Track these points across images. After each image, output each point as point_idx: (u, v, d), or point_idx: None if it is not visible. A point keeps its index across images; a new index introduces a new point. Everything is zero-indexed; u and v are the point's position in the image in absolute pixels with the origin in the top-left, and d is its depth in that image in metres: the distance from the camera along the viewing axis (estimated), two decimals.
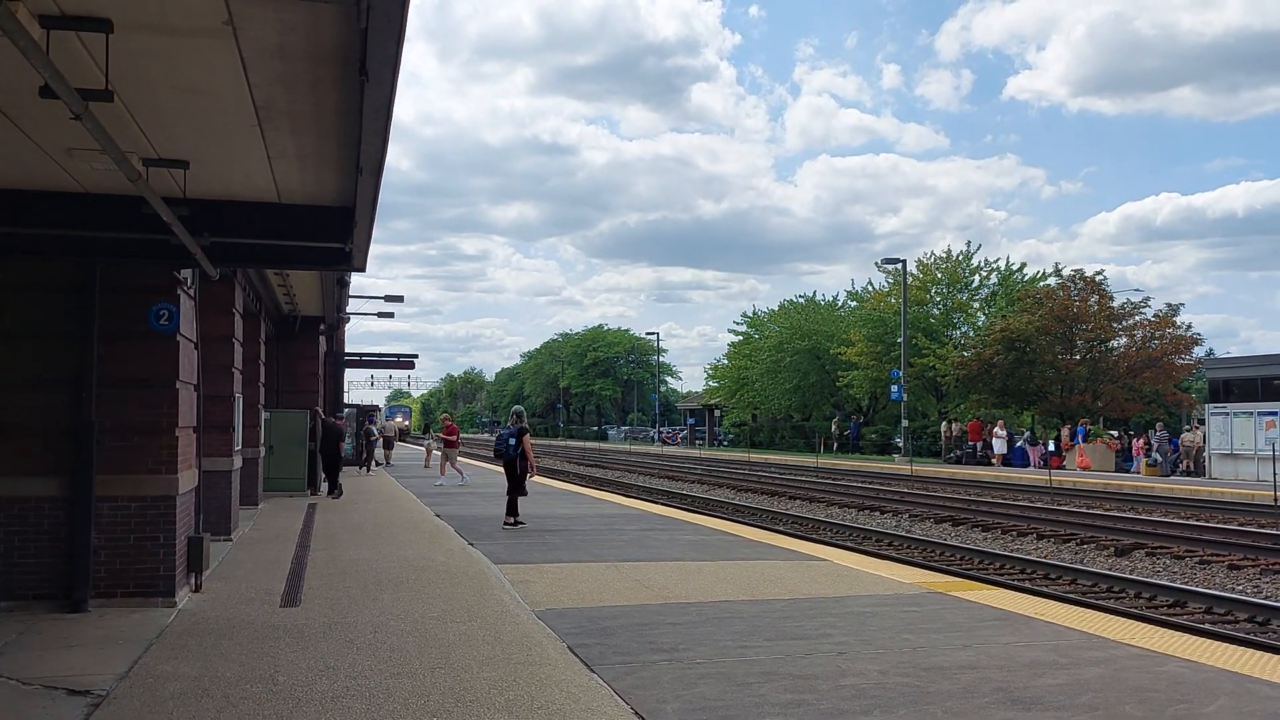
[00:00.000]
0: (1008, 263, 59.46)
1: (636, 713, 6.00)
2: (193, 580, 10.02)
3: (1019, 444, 41.83)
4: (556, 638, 8.01)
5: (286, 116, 6.64)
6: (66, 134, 6.72)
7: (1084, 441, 37.98)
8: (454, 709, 6.06)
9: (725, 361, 72.80)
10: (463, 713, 5.99)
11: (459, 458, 29.39)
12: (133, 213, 8.34)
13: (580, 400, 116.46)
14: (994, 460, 40.43)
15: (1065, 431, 39.65)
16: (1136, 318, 43.51)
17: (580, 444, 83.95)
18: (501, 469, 16.88)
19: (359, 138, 6.55)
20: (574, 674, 6.92)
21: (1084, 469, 36.00)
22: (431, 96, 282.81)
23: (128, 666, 7.10)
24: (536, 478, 30.11)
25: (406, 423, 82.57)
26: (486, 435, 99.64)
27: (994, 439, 40.94)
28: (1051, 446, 38.95)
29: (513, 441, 16.04)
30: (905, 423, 47.75)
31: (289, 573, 11.31)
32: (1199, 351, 44.96)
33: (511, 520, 15.98)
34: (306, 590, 10.18)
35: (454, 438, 29.27)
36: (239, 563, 12.06)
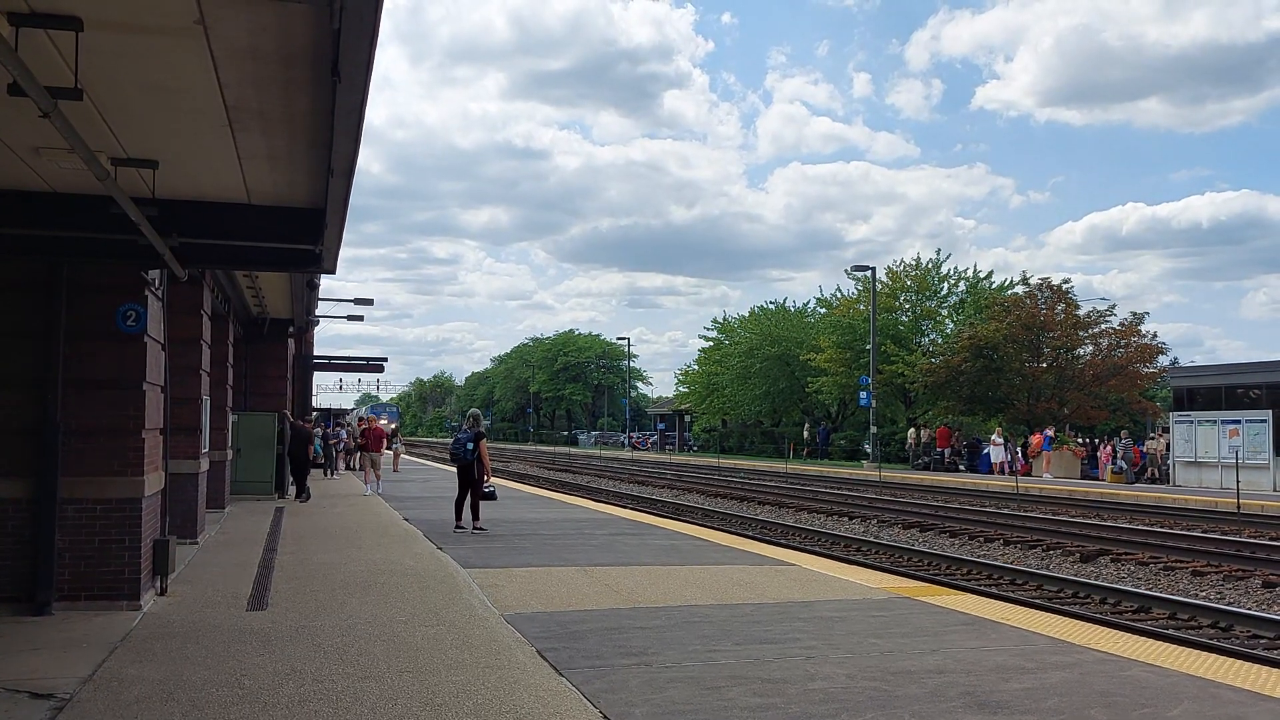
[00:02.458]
0: (975, 271, 59.98)
1: (605, 716, 6.00)
2: (158, 583, 9.93)
3: (985, 450, 42.04)
4: (525, 641, 8.00)
5: (257, 117, 6.62)
6: (34, 132, 6.67)
7: (1037, 441, 38.08)
8: (422, 712, 6.04)
9: (696, 367, 72.90)
10: (431, 716, 5.97)
11: (372, 466, 24.98)
12: (100, 212, 8.27)
13: (550, 405, 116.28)
14: (993, 469, 39.31)
15: (1035, 440, 39.80)
16: (1102, 326, 43.93)
17: (550, 449, 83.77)
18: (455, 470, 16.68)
19: (330, 139, 6.54)
20: (543, 678, 6.91)
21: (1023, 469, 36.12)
22: (402, 100, 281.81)
23: (91, 670, 7.03)
24: (506, 482, 30.10)
25: (395, 425, 77.78)
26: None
27: (992, 447, 40.15)
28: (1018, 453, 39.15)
29: (470, 446, 15.92)
30: (874, 429, 48.01)
31: (256, 576, 11.23)
32: (1164, 360, 45.38)
33: (464, 525, 15.91)
34: (274, 594, 10.11)
35: (372, 442, 25.39)
36: (205, 566, 11.97)
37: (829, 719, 5.97)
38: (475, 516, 15.95)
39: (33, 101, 5.11)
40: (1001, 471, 38.20)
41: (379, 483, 24.65)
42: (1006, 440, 40.54)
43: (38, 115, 5.36)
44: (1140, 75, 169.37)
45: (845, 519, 23.86)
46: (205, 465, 14.64)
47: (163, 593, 9.94)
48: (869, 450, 47.93)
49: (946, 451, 43.61)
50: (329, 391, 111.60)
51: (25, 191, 8.62)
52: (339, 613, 9.12)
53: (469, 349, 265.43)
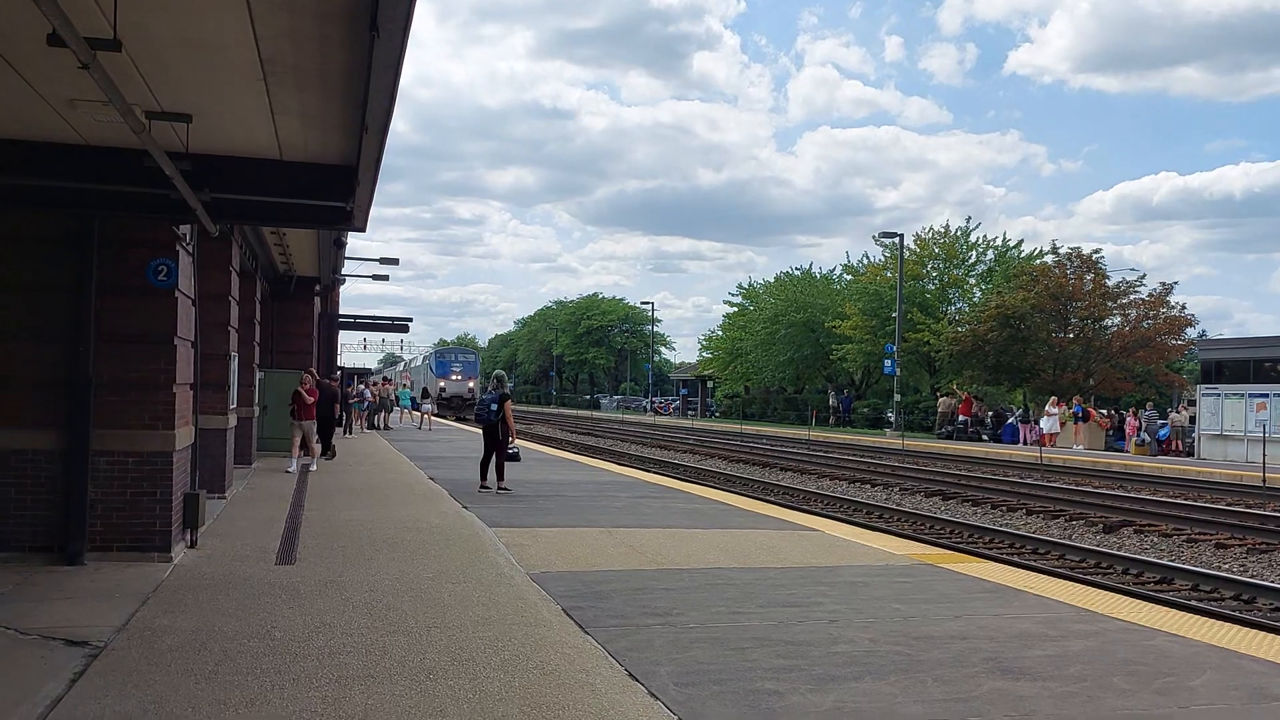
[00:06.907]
0: (1005, 239, 59.52)
1: (630, 674, 6.06)
2: (188, 536, 10.06)
3: (1010, 421, 41.82)
4: (551, 600, 8.07)
5: (292, 72, 6.61)
6: (70, 84, 6.71)
7: (1050, 416, 37.47)
8: (450, 667, 6.11)
9: (720, 333, 72.84)
10: (459, 671, 6.04)
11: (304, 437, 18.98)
12: (133, 166, 8.33)
13: (573, 368, 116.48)
14: (1043, 441, 35.98)
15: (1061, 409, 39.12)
16: (1131, 297, 43.55)
17: (573, 412, 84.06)
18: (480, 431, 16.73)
19: (365, 96, 6.54)
20: (568, 635, 6.97)
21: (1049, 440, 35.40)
22: (429, 59, 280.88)
23: (125, 619, 7.14)
24: (530, 444, 30.23)
25: (473, 383, 56.24)
26: None
27: (1044, 418, 37.21)
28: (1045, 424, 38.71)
29: (494, 407, 15.98)
30: (898, 397, 47.88)
31: (284, 531, 11.36)
32: (1192, 332, 45.00)
33: (489, 485, 15.98)
34: (301, 549, 10.22)
35: (311, 403, 18.77)
36: (234, 520, 12.10)
37: (852, 681, 6.00)
38: (500, 477, 16.03)
39: (72, 52, 5.12)
40: (1052, 444, 35.99)
41: (304, 460, 19.01)
42: (1027, 408, 39.88)
43: (75, 66, 5.38)
44: (1179, 42, 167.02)
45: (868, 486, 23.87)
46: (233, 421, 14.77)
47: (192, 545, 10.07)
48: (892, 418, 47.82)
49: (968, 420, 43.28)
50: (353, 351, 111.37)
51: (59, 144, 8.66)
52: (366, 568, 9.21)
53: (493, 311, 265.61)
